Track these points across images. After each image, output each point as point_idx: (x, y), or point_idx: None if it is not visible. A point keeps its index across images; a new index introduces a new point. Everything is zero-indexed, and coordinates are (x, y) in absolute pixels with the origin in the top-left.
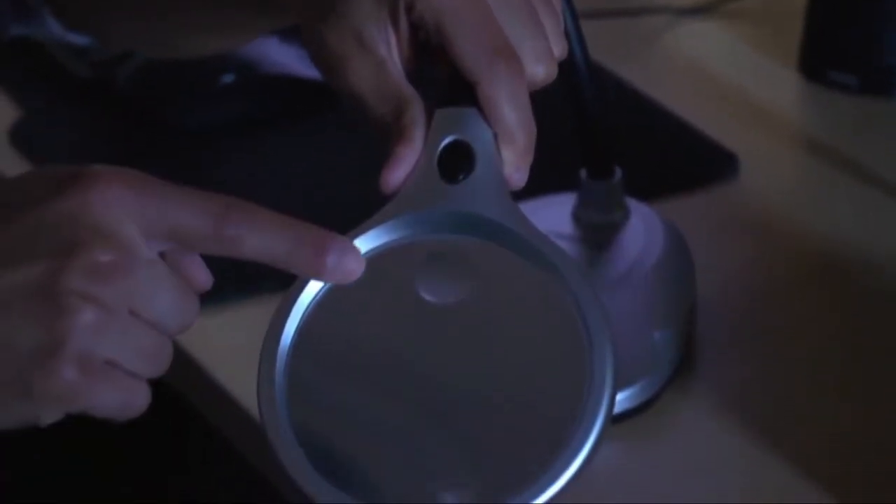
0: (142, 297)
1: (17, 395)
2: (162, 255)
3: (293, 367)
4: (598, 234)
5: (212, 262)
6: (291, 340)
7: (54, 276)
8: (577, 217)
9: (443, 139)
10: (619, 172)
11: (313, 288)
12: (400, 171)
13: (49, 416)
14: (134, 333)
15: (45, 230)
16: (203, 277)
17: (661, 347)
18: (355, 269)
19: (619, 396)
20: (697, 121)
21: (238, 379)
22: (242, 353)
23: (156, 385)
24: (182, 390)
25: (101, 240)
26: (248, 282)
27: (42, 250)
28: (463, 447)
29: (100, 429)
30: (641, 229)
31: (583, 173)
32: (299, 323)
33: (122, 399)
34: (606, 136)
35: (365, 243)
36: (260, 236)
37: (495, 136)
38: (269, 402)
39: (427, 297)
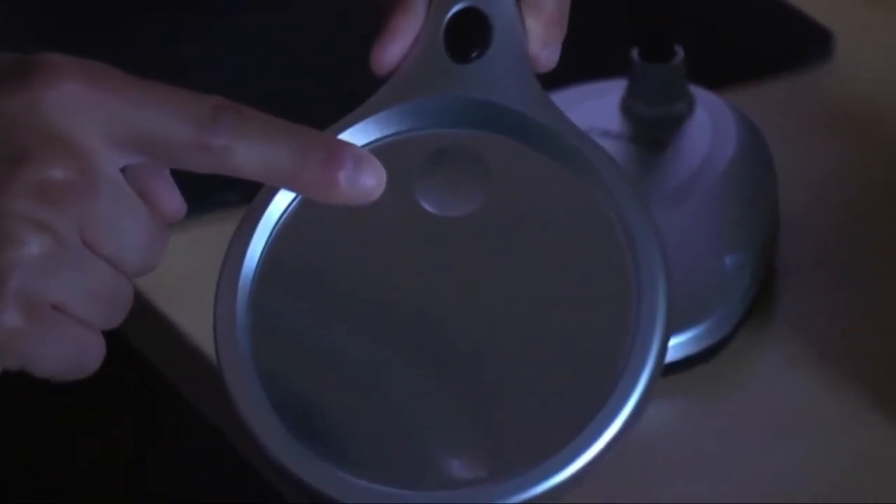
0: (101, 227)
1: None
2: (123, 173)
3: (258, 299)
4: (653, 131)
5: None
6: (257, 265)
7: None
8: (626, 110)
9: (451, 6)
10: (680, 52)
11: (284, 200)
12: (396, 46)
13: None
14: (89, 271)
15: None
16: (175, 204)
17: (732, 276)
18: (374, 187)
19: (676, 340)
20: None
21: (190, 313)
22: (196, 282)
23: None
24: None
25: (54, 150)
26: (203, 193)
27: None
28: (470, 405)
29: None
30: (708, 125)
31: (634, 54)
32: (267, 243)
33: (72, 355)
34: (664, 5)
35: (352, 140)
36: (254, 146)
37: (517, 1)
38: (227, 341)
39: (429, 208)
